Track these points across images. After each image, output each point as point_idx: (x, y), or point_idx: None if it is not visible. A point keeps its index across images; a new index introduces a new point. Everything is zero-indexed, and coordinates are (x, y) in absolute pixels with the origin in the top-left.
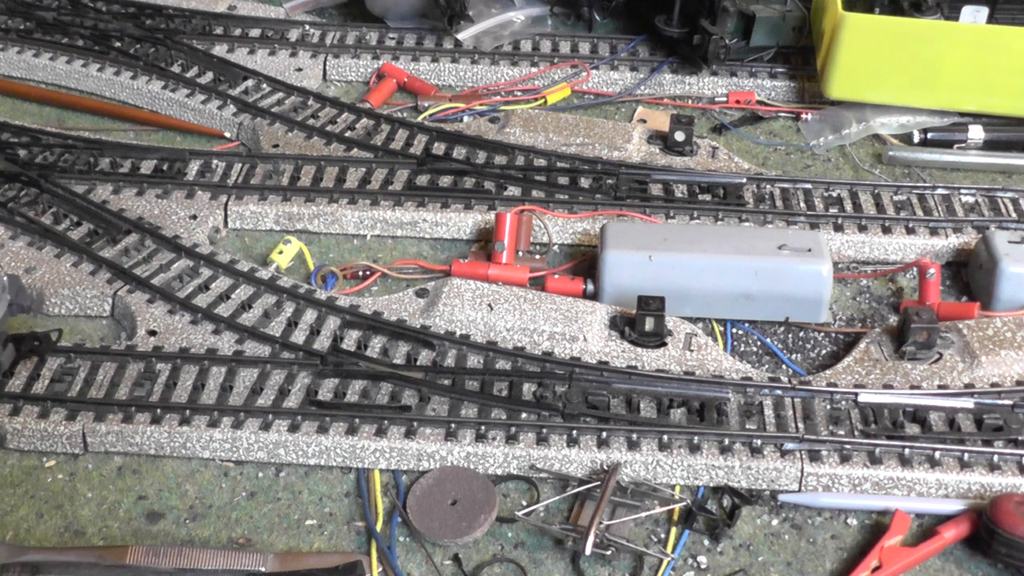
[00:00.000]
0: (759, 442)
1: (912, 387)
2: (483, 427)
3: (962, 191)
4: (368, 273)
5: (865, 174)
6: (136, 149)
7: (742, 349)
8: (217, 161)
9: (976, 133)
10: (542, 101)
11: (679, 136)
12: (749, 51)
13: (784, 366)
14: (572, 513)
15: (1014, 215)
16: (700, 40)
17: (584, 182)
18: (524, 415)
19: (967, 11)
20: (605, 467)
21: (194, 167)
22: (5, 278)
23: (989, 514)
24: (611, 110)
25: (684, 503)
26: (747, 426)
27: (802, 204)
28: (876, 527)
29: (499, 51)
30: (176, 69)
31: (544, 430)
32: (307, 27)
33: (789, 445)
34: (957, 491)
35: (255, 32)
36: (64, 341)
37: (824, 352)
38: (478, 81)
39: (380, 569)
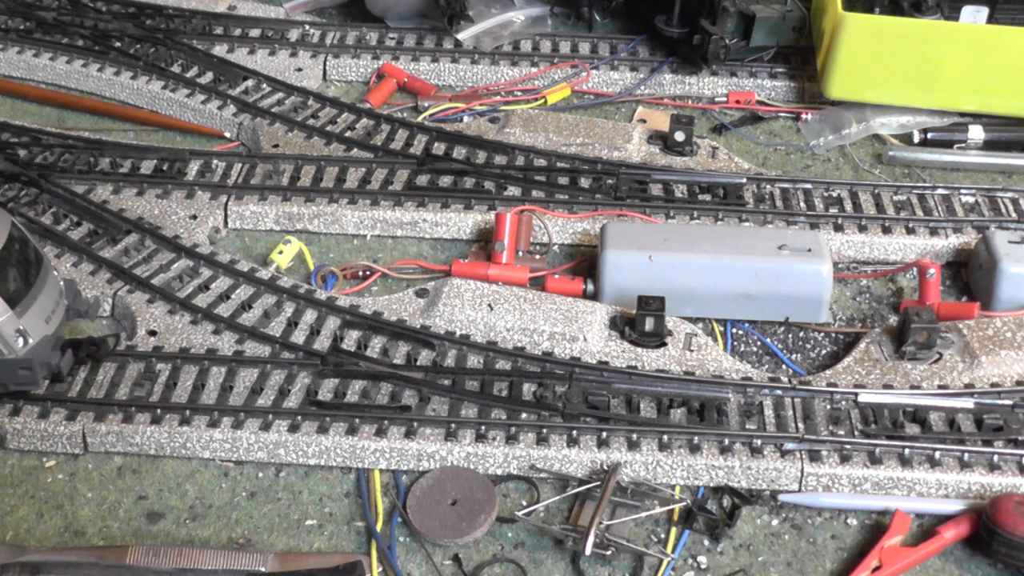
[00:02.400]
0: (759, 442)
1: (912, 387)
2: (483, 427)
3: (962, 191)
4: (368, 273)
5: (865, 174)
6: (136, 149)
7: (742, 349)
8: (217, 161)
9: (976, 133)
10: (542, 101)
11: (679, 136)
12: (749, 51)
13: (784, 366)
14: (572, 513)
15: (1014, 215)
16: (700, 40)
17: (584, 182)
18: (524, 415)
19: (967, 11)
20: (605, 467)
21: (194, 167)
22: (62, 283)
23: (989, 514)
24: (611, 110)
25: (684, 503)
26: (747, 426)
27: (802, 204)
28: (876, 527)
29: (499, 51)
30: (176, 69)
31: (544, 430)
32: (307, 27)
33: (789, 445)
34: (957, 491)
35: (255, 32)
36: None
37: (824, 352)
38: (478, 81)
39: (380, 569)
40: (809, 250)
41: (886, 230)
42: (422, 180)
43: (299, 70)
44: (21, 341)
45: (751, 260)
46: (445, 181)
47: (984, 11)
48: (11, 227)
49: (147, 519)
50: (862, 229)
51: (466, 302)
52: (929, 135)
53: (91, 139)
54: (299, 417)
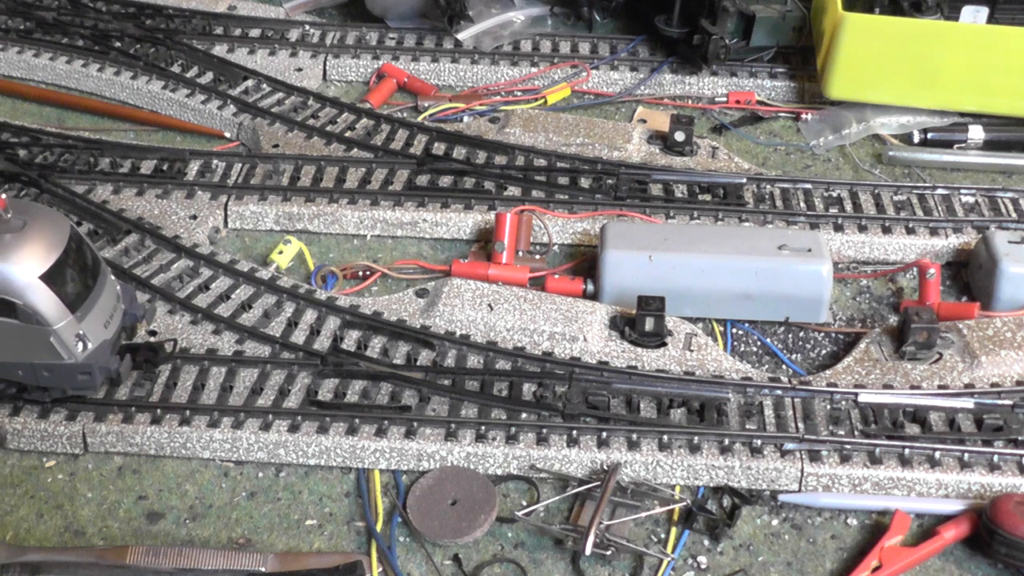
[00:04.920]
0: (759, 442)
1: (912, 387)
2: (483, 427)
3: (962, 191)
4: (368, 273)
5: (865, 174)
6: (136, 149)
7: (742, 349)
8: (217, 161)
9: (976, 133)
10: (542, 101)
11: (679, 136)
12: (749, 51)
13: (784, 366)
14: (572, 513)
15: (1014, 215)
16: (700, 40)
17: (584, 182)
18: (524, 415)
19: (967, 11)
20: (605, 467)
21: (194, 167)
22: (119, 287)
23: (989, 514)
24: (611, 110)
25: (684, 503)
26: (747, 426)
27: (802, 204)
28: (876, 527)
29: (499, 51)
30: (176, 69)
31: (544, 430)
32: (307, 27)
33: (789, 445)
34: (957, 491)
35: (255, 32)
36: None
37: (824, 352)
38: (478, 81)
39: (380, 569)
40: (809, 250)
41: (886, 230)
42: (422, 180)
43: (299, 70)
44: (81, 346)
45: (751, 260)
46: (445, 181)
47: (984, 11)
48: (70, 230)
49: (147, 519)
50: (862, 229)
51: (466, 302)
52: (929, 135)
53: (91, 139)
54: (299, 417)
